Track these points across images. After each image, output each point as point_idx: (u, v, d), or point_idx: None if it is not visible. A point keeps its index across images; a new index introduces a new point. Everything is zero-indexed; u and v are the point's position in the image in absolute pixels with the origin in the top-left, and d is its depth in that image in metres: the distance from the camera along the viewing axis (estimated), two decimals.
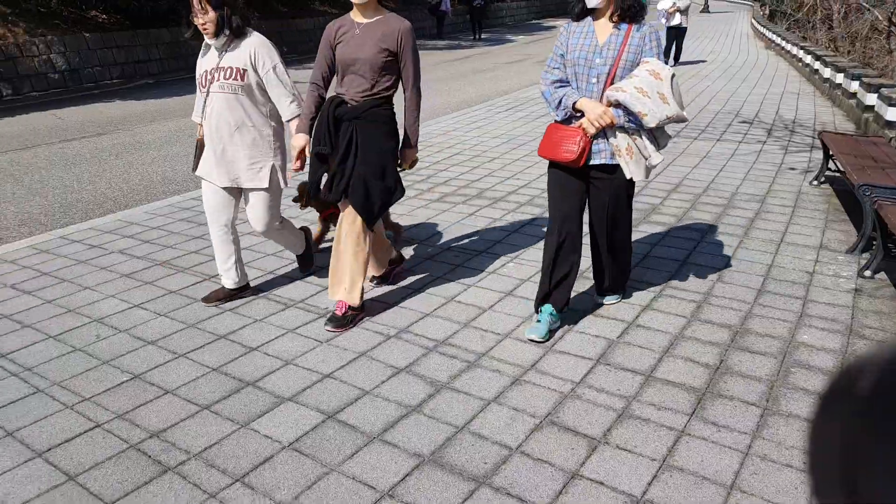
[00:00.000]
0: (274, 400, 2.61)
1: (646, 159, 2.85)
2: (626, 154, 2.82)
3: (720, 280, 3.65)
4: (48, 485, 2.16)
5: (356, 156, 3.03)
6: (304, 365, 2.86)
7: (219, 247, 3.32)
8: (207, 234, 4.41)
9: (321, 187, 3.19)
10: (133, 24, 14.71)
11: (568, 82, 2.85)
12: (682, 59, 13.79)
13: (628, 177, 2.85)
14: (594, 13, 2.81)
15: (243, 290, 3.43)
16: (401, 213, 4.83)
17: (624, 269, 3.28)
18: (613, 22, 2.77)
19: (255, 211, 3.30)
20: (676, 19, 12.89)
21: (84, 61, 13.46)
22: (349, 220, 3.09)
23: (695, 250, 4.08)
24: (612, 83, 2.76)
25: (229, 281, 3.38)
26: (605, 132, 2.83)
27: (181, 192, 5.85)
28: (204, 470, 2.22)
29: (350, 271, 3.13)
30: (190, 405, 2.58)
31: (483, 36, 22.98)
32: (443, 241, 4.31)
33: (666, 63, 2.81)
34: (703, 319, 3.21)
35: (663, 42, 2.89)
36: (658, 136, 2.88)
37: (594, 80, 2.79)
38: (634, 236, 4.33)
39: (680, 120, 2.79)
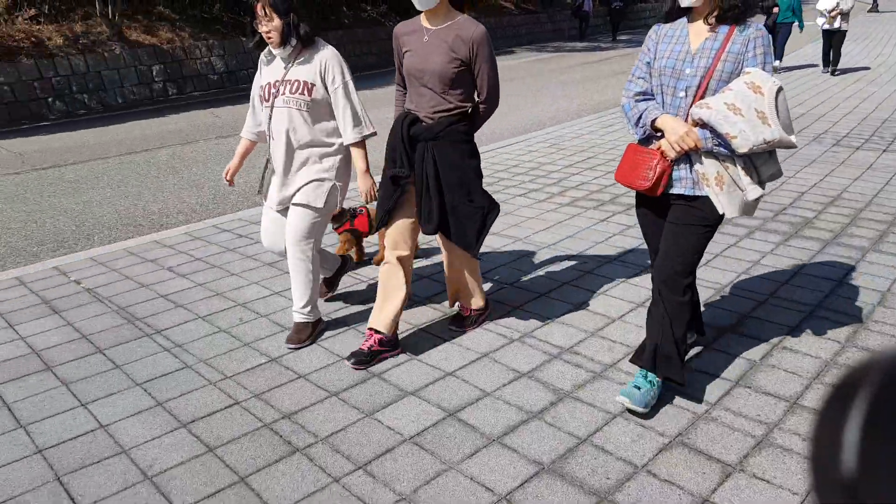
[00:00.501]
0: (398, 392, 2.66)
1: (742, 191, 2.31)
2: (714, 184, 2.31)
3: (882, 304, 3.30)
4: (189, 454, 2.33)
5: (439, 182, 2.77)
6: (427, 361, 2.89)
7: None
8: None
9: (408, 217, 2.86)
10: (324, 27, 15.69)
11: (653, 95, 2.43)
12: (840, 65, 12.57)
13: (720, 212, 2.33)
14: (689, 13, 2.37)
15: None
16: (529, 217, 4.79)
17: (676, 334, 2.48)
18: (710, 24, 2.30)
19: (296, 223, 2.99)
20: (837, 22, 11.76)
21: (240, 63, 14.52)
22: (449, 249, 2.96)
23: (853, 270, 3.71)
24: (702, 97, 2.29)
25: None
26: (689, 157, 2.35)
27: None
28: (329, 454, 2.30)
29: (469, 282, 3.07)
30: (320, 390, 2.68)
31: (622, 37, 22.36)
32: (572, 246, 4.21)
33: (775, 71, 2.46)
34: (860, 346, 2.91)
35: (770, 48, 2.33)
36: (760, 164, 2.31)
37: (682, 94, 2.33)
38: (784, 251, 4.01)
39: (786, 145, 2.22)
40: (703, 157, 2.32)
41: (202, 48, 13.86)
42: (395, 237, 2.85)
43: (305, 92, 2.86)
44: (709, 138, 2.26)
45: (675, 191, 2.39)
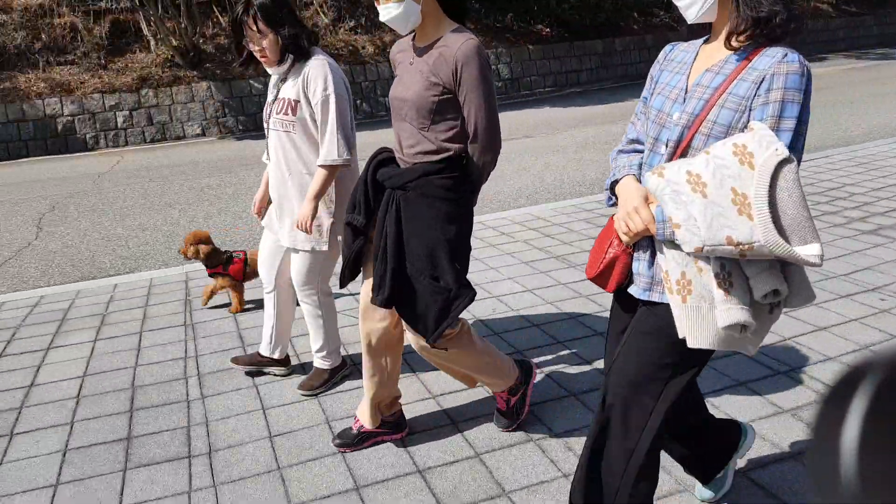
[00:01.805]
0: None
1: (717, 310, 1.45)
2: (676, 291, 1.50)
3: None
4: (435, 424, 2.51)
5: (399, 245, 2.12)
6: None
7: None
8: None
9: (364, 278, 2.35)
10: (571, 36, 15.94)
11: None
12: None
13: (680, 334, 1.50)
14: (710, 30, 1.65)
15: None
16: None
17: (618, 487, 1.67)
18: (731, 48, 1.52)
19: (295, 267, 2.70)
20: None
21: (525, 71, 15.11)
22: (412, 338, 2.23)
23: None
24: (681, 156, 1.55)
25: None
26: (652, 244, 1.58)
27: (585, 194, 6.13)
28: (561, 449, 2.31)
29: (463, 376, 2.41)
30: (560, 388, 2.70)
31: None
32: (869, 279, 3.64)
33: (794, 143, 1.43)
34: None
35: (801, 96, 1.41)
36: (753, 273, 1.44)
37: (662, 150, 1.59)
38: None
39: (786, 258, 1.37)
40: (665, 248, 1.51)
41: (490, 56, 14.72)
42: (365, 302, 2.30)
43: (289, 111, 2.50)
44: (667, 222, 1.47)
45: (634, 291, 1.64)
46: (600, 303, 3.41)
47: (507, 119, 11.15)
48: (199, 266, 4.04)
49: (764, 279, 1.42)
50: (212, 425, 2.57)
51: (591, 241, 4.47)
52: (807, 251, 1.34)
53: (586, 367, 2.85)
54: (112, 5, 12.10)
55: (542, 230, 4.81)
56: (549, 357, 2.95)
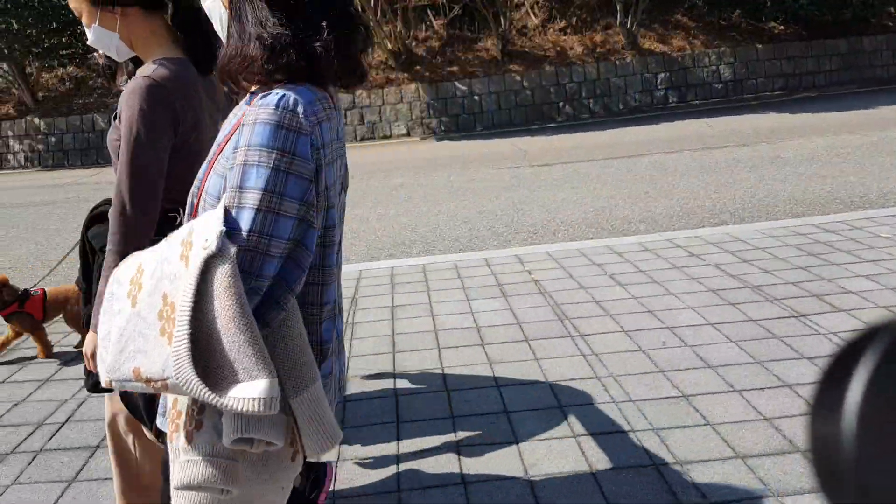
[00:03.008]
0: None
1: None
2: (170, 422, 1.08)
3: None
4: (572, 467, 2.24)
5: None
6: None
7: None
8: (813, 266, 3.88)
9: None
10: (809, 34, 14.19)
11: None
12: None
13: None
14: None
15: None
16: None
17: None
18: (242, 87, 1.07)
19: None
20: None
21: (750, 72, 13.75)
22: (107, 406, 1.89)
23: None
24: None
25: None
26: None
27: (805, 214, 5.32)
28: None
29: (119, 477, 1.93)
30: (725, 447, 2.28)
31: None
32: None
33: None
34: None
35: (270, 156, 0.93)
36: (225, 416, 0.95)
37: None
38: None
39: (210, 402, 0.89)
40: None
41: (712, 56, 13.59)
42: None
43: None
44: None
45: None
46: (797, 348, 2.87)
47: (720, 125, 10.18)
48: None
49: (230, 419, 0.93)
50: None
51: (799, 271, 3.83)
52: (243, 392, 0.87)
53: (763, 426, 2.39)
54: None
55: (740, 254, 4.23)
56: (719, 408, 2.52)
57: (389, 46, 12.40)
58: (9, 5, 10.95)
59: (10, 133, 12.55)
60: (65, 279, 3.76)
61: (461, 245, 5.08)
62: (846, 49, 14.19)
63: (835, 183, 6.31)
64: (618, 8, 13.07)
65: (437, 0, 13.34)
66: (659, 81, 13.32)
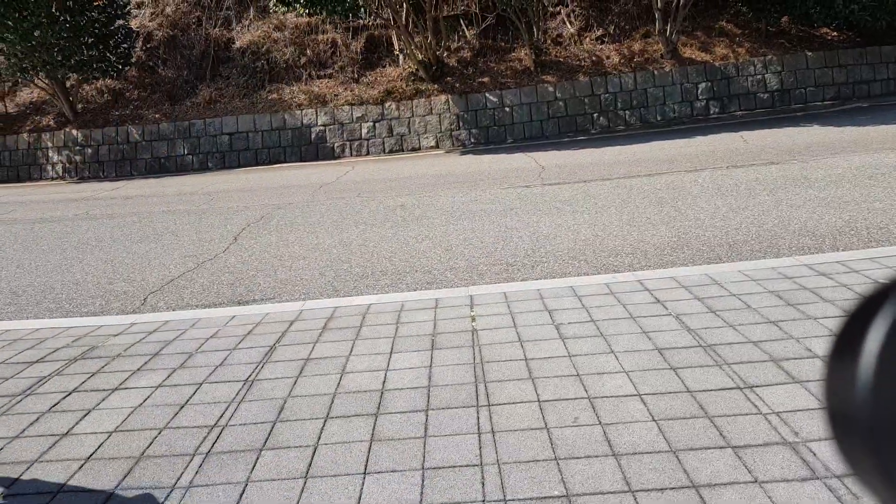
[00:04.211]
0: None
1: None
2: None
3: None
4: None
5: None
6: None
7: None
8: (785, 321, 3.48)
9: None
10: (864, 41, 13.28)
11: None
12: None
13: None
14: None
15: None
16: None
17: None
18: None
19: None
20: None
21: (799, 81, 12.98)
22: None
23: None
24: None
25: None
26: None
27: (809, 249, 4.87)
28: None
29: None
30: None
31: None
32: None
33: None
34: None
35: None
36: None
37: None
38: None
39: None
40: None
41: (757, 64, 12.90)
42: None
43: None
44: None
45: None
46: (725, 433, 2.53)
47: (757, 139, 9.53)
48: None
49: None
50: None
51: (767, 327, 3.45)
52: None
53: None
54: (370, 21, 13.04)
55: (710, 302, 3.85)
56: None
57: (420, 57, 12.27)
58: (43, 19, 11.38)
59: (49, 144, 13.08)
60: None
61: (431, 278, 4.87)
62: None
63: (857, 210, 5.78)
64: (657, 15, 12.55)
65: (470, 10, 13.14)
66: (699, 91, 12.73)
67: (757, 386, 2.85)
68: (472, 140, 12.19)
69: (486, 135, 12.22)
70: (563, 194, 7.35)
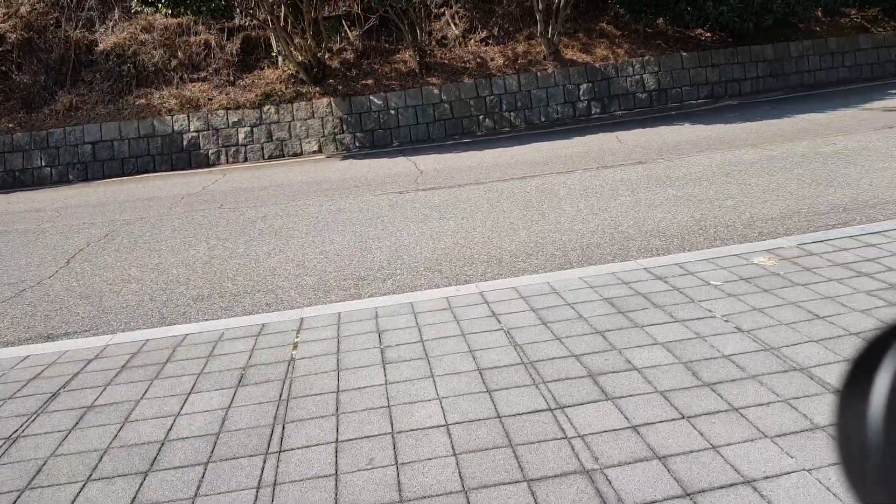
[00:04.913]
0: None
1: None
2: None
3: None
4: None
5: None
6: None
7: None
8: (612, 330, 3.41)
9: None
10: (735, 41, 13.90)
11: None
12: None
13: None
14: None
15: None
16: None
17: None
18: None
19: None
20: None
21: (675, 81, 13.43)
22: None
23: None
24: None
25: None
26: None
27: (658, 251, 4.90)
28: None
29: None
30: None
31: None
32: None
33: None
34: None
35: None
36: None
37: None
38: None
39: None
40: None
41: (635, 65, 13.24)
42: None
43: None
44: None
45: None
46: (526, 463, 2.39)
47: (631, 139, 9.66)
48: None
49: None
50: None
51: (593, 338, 3.37)
52: None
53: None
54: (246, 22, 12.50)
55: (544, 313, 3.75)
56: None
57: (300, 59, 11.85)
58: None
59: None
60: None
61: (273, 299, 4.57)
62: (772, 55, 13.94)
63: (709, 208, 5.91)
64: (538, 17, 12.65)
65: (352, 10, 12.83)
66: (581, 92, 12.94)
67: (568, 406, 2.74)
68: (357, 144, 11.90)
69: (371, 138, 11.96)
70: (435, 200, 7.20)
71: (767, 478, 2.21)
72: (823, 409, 2.59)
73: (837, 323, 3.31)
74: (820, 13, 14.72)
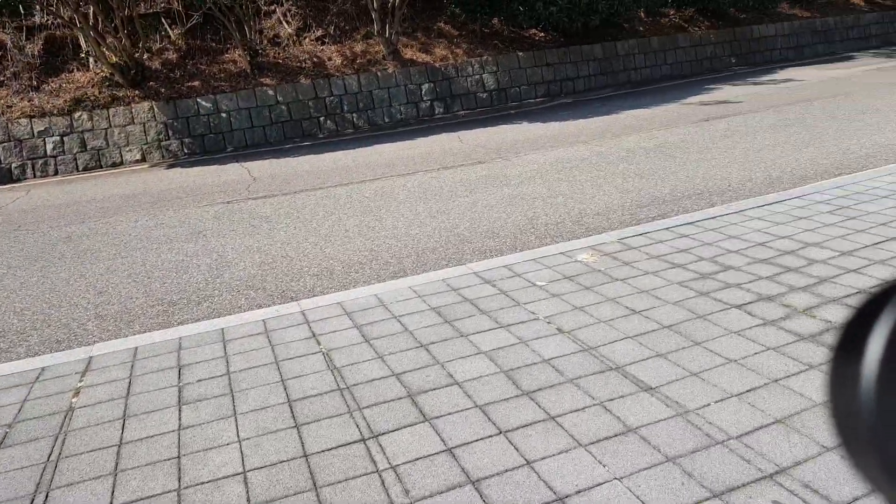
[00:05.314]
0: None
1: None
2: None
3: None
4: None
5: None
6: None
7: None
8: (435, 343, 3.26)
9: None
10: (567, 41, 14.50)
11: None
12: None
13: None
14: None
15: None
16: (716, 352, 2.88)
17: None
18: None
19: None
20: None
21: (513, 80, 13.76)
22: None
23: None
24: None
25: None
26: None
27: (492, 252, 4.84)
28: None
29: None
30: None
31: None
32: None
33: None
34: None
35: None
36: None
37: None
38: None
39: None
40: None
41: (475, 65, 13.42)
42: None
43: None
44: None
45: None
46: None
47: (471, 139, 9.63)
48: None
49: None
50: None
51: (415, 353, 3.20)
52: None
53: None
54: (48, 20, 11.23)
55: (367, 329, 3.54)
56: None
57: (114, 60, 10.80)
58: None
59: None
60: None
61: (66, 334, 3.98)
62: (601, 54, 14.70)
63: (541, 206, 5.98)
64: (374, 16, 12.44)
65: (173, 7, 11.92)
66: (423, 92, 12.91)
67: (383, 433, 2.53)
68: (186, 151, 11.08)
69: (202, 144, 11.18)
70: (266, 209, 6.77)
71: (580, 492, 2.13)
72: (636, 409, 2.57)
73: (652, 317, 3.36)
74: (642, 14, 15.74)
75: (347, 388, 2.89)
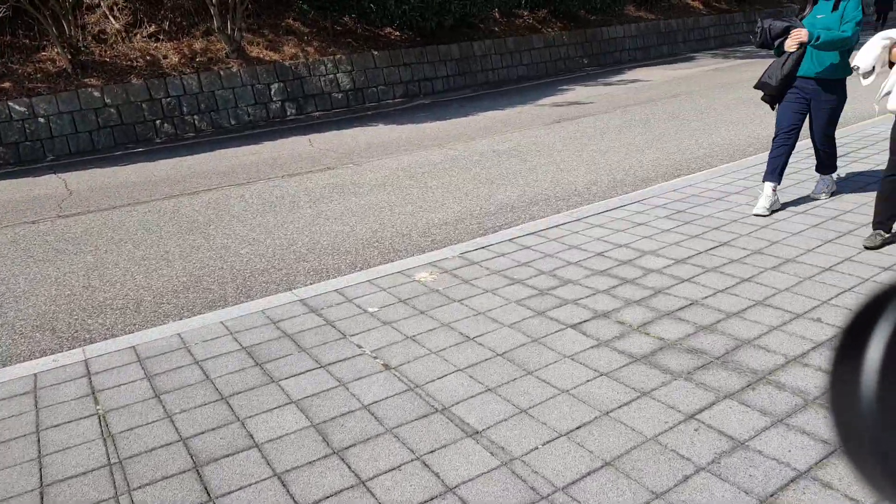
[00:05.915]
0: None
1: None
2: None
3: None
4: None
5: None
6: None
7: None
8: (240, 393, 2.80)
9: None
10: (424, 40, 14.28)
11: None
12: None
13: None
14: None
15: None
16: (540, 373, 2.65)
17: None
18: None
19: None
20: None
21: (369, 80, 13.34)
22: None
23: None
24: None
25: None
26: None
27: (325, 274, 4.41)
28: None
29: None
30: None
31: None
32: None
33: None
34: None
35: None
36: None
37: None
38: None
39: None
40: None
41: (328, 64, 12.86)
42: None
43: None
44: None
45: None
46: None
47: (323, 142, 8.96)
48: None
49: None
50: None
51: (216, 409, 2.72)
52: None
53: None
54: None
55: (164, 380, 3.02)
56: None
57: None
58: None
59: None
60: None
61: None
62: (458, 54, 14.62)
63: (388, 216, 5.63)
64: (213, 11, 11.55)
65: None
66: (273, 92, 12.19)
67: None
68: None
69: (17, 153, 9.86)
70: (77, 229, 5.93)
71: None
72: (459, 461, 2.26)
73: (486, 343, 3.09)
74: (497, 14, 15.84)
75: (120, 462, 2.37)
